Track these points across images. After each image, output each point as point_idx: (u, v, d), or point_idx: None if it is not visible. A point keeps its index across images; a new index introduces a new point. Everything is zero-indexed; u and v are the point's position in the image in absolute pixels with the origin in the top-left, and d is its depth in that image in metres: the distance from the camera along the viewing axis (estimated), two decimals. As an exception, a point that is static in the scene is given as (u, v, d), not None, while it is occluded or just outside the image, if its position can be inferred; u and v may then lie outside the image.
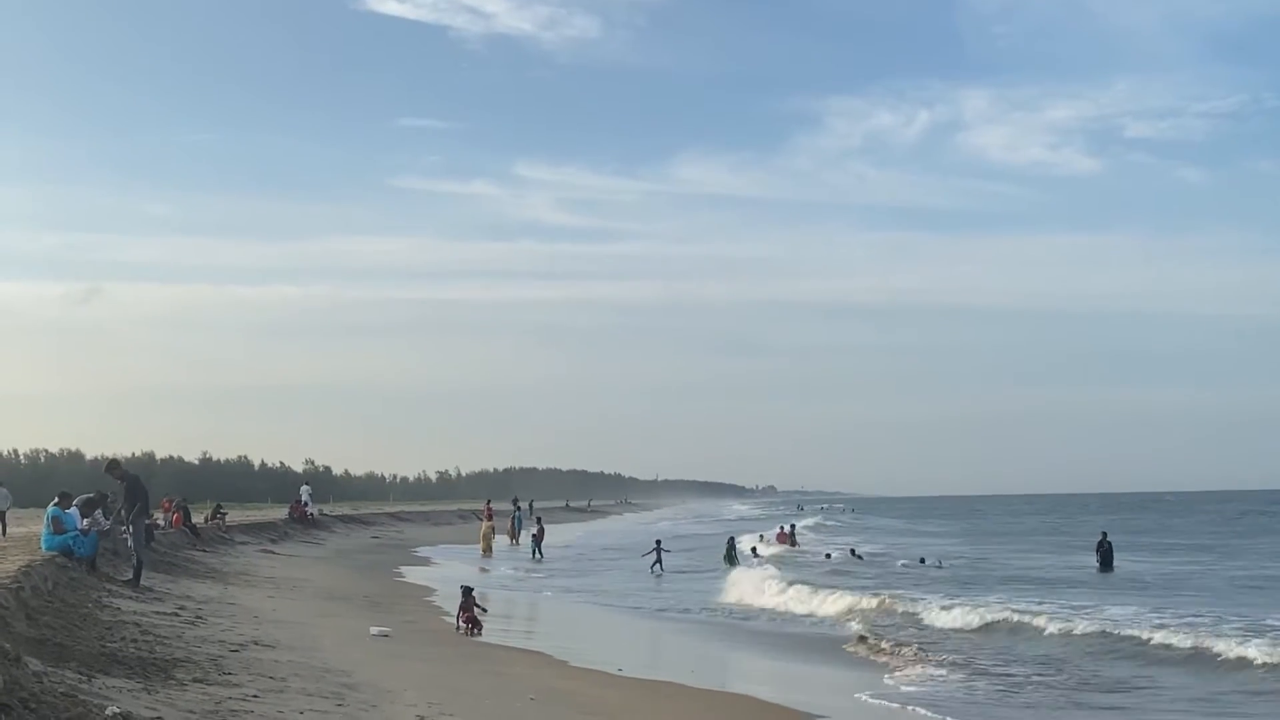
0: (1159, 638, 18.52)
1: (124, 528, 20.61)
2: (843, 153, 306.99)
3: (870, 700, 14.59)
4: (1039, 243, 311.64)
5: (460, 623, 19.45)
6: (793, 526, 57.47)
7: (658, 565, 37.68)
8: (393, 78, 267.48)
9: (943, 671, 16.83)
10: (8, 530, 32.24)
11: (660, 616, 25.06)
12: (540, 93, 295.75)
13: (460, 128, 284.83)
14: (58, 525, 20.24)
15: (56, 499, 21.30)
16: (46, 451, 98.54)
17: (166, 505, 36.56)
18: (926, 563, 38.91)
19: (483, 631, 19.24)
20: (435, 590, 27.09)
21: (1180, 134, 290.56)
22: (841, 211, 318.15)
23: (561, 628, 22.58)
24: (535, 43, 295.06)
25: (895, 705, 14.24)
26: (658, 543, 39.06)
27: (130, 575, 20.06)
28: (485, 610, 19.93)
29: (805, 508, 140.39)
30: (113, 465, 21.24)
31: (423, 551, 45.44)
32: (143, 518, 20.83)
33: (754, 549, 43.22)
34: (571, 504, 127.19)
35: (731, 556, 40.91)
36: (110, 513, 24.06)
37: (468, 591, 20.31)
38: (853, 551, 44.92)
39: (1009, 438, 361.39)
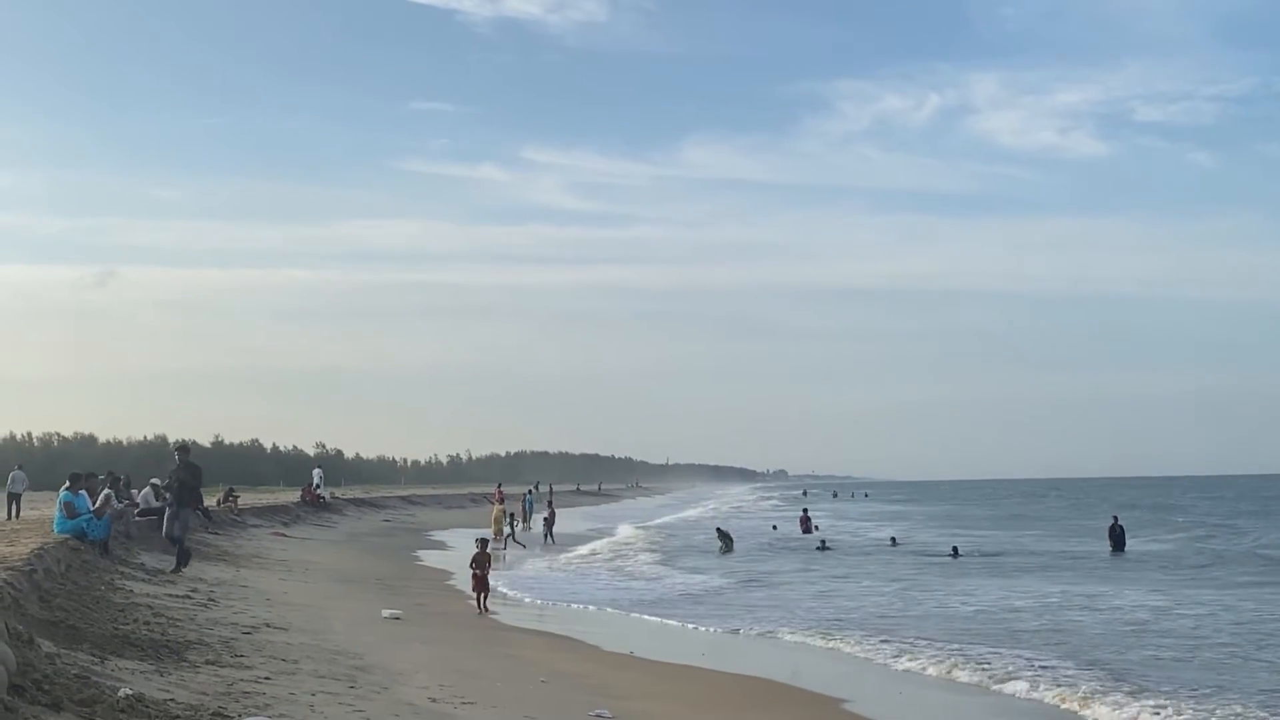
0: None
1: (197, 510, 21.20)
2: (852, 136, 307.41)
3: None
4: (1049, 226, 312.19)
5: (473, 576, 20.15)
6: (806, 511, 56.87)
7: (550, 536, 42.71)
8: (401, 61, 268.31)
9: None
10: (21, 513, 32.34)
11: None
12: (548, 76, 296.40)
13: (469, 111, 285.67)
14: (70, 510, 20.28)
15: (67, 483, 21.36)
16: (59, 435, 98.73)
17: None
18: (960, 554, 36.99)
19: (487, 598, 19.97)
20: (452, 574, 27.14)
21: (1190, 118, 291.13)
22: (851, 195, 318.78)
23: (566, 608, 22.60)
24: (543, 26, 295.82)
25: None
26: (545, 520, 44.81)
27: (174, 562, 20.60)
28: (512, 543, 20.33)
29: (810, 493, 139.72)
30: (183, 449, 21.91)
31: (436, 535, 45.50)
32: (194, 505, 21.53)
33: (728, 535, 42.21)
34: (582, 487, 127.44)
35: (726, 541, 40.73)
36: (123, 496, 24.26)
37: (484, 544, 20.96)
38: (893, 541, 43.68)
39: (1019, 420, 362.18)
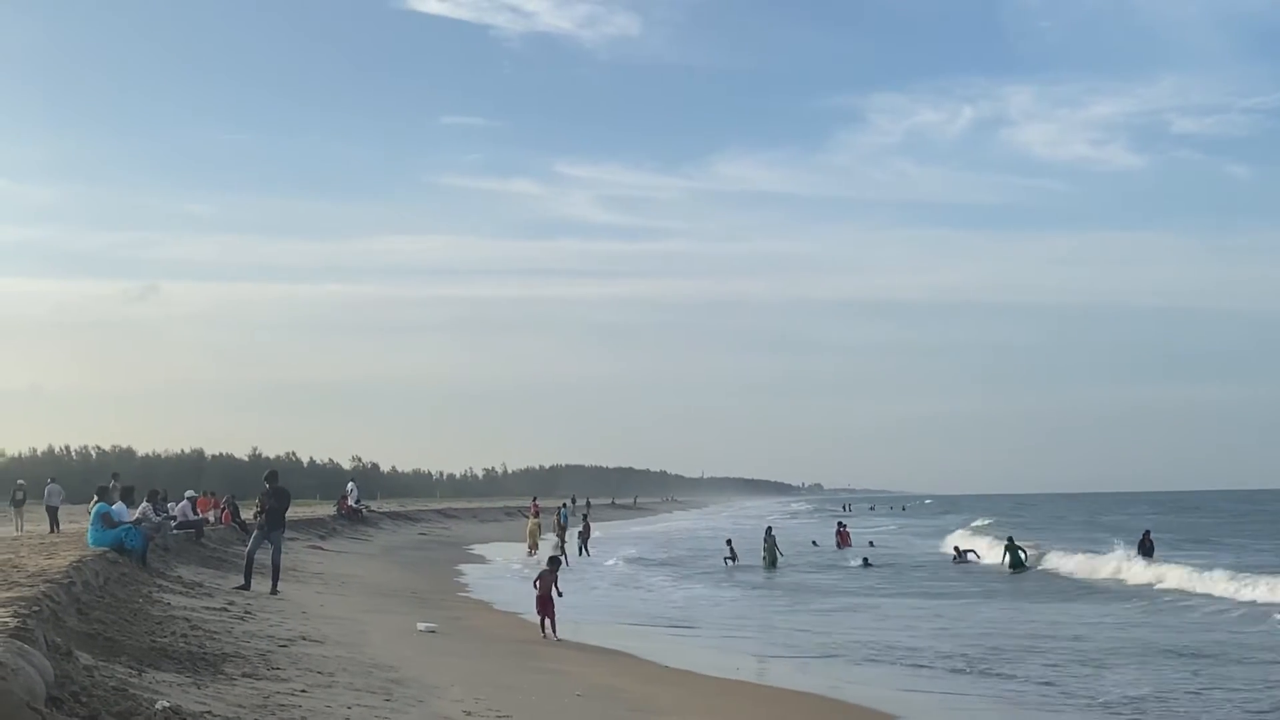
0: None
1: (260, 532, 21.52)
2: (885, 149, 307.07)
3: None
4: (1084, 240, 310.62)
5: (539, 599, 18.83)
6: (843, 525, 56.09)
7: (585, 550, 42.86)
8: (434, 77, 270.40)
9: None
10: (60, 526, 32.59)
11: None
12: (580, 91, 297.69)
13: (501, 126, 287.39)
14: (109, 521, 20.43)
15: (96, 496, 21.55)
16: (98, 448, 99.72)
17: (216, 502, 36.92)
18: (1026, 560, 36.97)
19: (555, 625, 18.57)
20: (487, 587, 27.14)
21: (1227, 130, 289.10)
22: (884, 208, 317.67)
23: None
24: (575, 41, 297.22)
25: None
26: (580, 533, 44.24)
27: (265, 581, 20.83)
28: (560, 595, 19.08)
29: (852, 506, 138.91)
30: (272, 475, 22.09)
31: (472, 549, 45.57)
32: (279, 528, 21.63)
33: (729, 550, 40.59)
34: (618, 501, 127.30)
35: (772, 555, 39.27)
36: (160, 509, 24.43)
37: (554, 563, 19.88)
38: (957, 551, 41.79)
39: (1053, 435, 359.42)
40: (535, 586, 19.04)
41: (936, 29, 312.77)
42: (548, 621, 18.60)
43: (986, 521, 68.80)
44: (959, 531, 55.97)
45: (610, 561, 40.18)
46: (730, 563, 39.04)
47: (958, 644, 19.24)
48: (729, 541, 41.26)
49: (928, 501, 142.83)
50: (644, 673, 15.34)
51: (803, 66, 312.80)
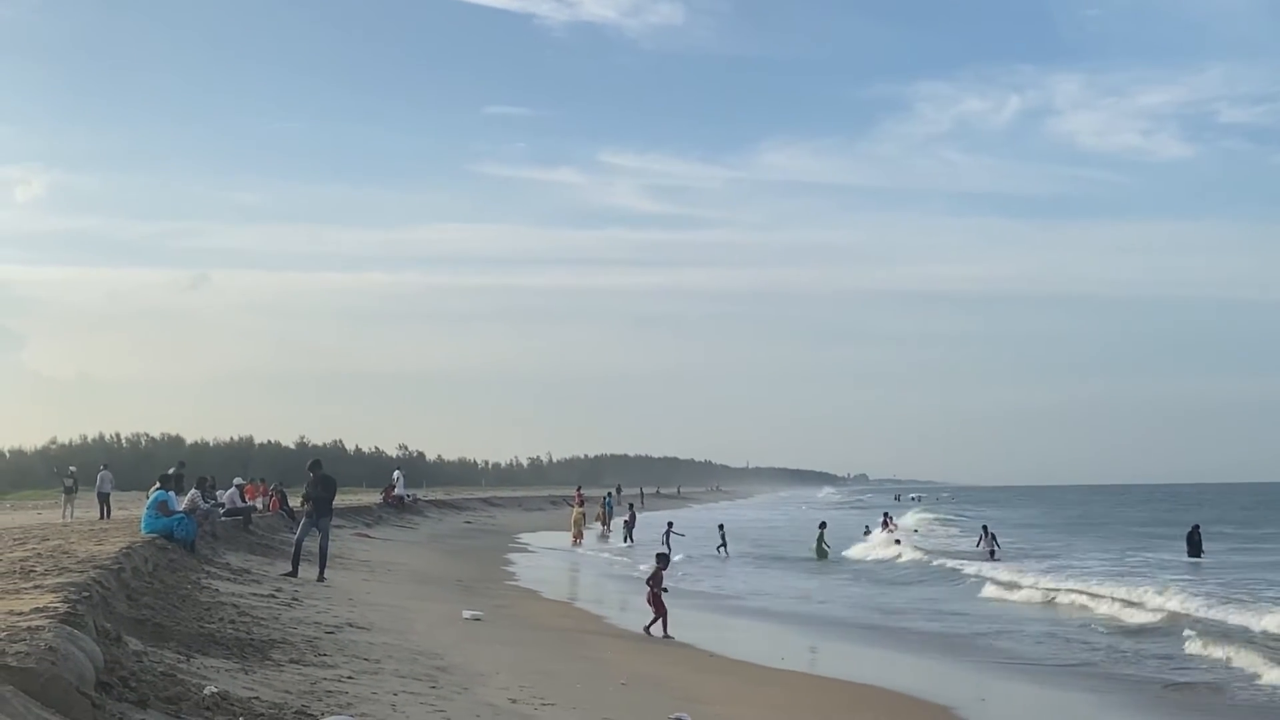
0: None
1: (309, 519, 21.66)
2: (931, 139, 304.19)
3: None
4: (1132, 229, 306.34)
5: (650, 597, 18.22)
6: (888, 516, 55.46)
7: (629, 538, 41.84)
8: (478, 66, 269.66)
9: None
10: (111, 513, 32.94)
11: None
12: (624, 80, 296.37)
13: (545, 115, 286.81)
14: (164, 509, 20.60)
15: (158, 484, 21.72)
16: (147, 435, 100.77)
17: (264, 489, 37.22)
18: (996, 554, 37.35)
19: (666, 624, 17.81)
20: (535, 575, 27.14)
21: (1276, 119, 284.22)
22: (931, 197, 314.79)
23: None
24: (619, 30, 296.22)
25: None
26: (669, 523, 41.52)
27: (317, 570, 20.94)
28: (666, 590, 18.59)
29: (903, 497, 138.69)
30: (316, 464, 22.18)
31: (517, 537, 45.65)
32: (327, 515, 21.69)
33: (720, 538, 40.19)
34: (662, 490, 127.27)
35: (822, 549, 38.48)
36: (209, 496, 24.63)
37: (664, 560, 19.44)
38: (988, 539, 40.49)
39: (1103, 427, 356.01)
40: (649, 585, 18.53)
41: (982, 16, 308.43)
42: (659, 621, 17.94)
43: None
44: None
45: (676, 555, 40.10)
46: (722, 551, 38.92)
47: (1014, 633, 19.17)
48: (721, 527, 41.18)
49: (916, 497, 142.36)
50: (696, 662, 15.32)
51: (847, 55, 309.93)
